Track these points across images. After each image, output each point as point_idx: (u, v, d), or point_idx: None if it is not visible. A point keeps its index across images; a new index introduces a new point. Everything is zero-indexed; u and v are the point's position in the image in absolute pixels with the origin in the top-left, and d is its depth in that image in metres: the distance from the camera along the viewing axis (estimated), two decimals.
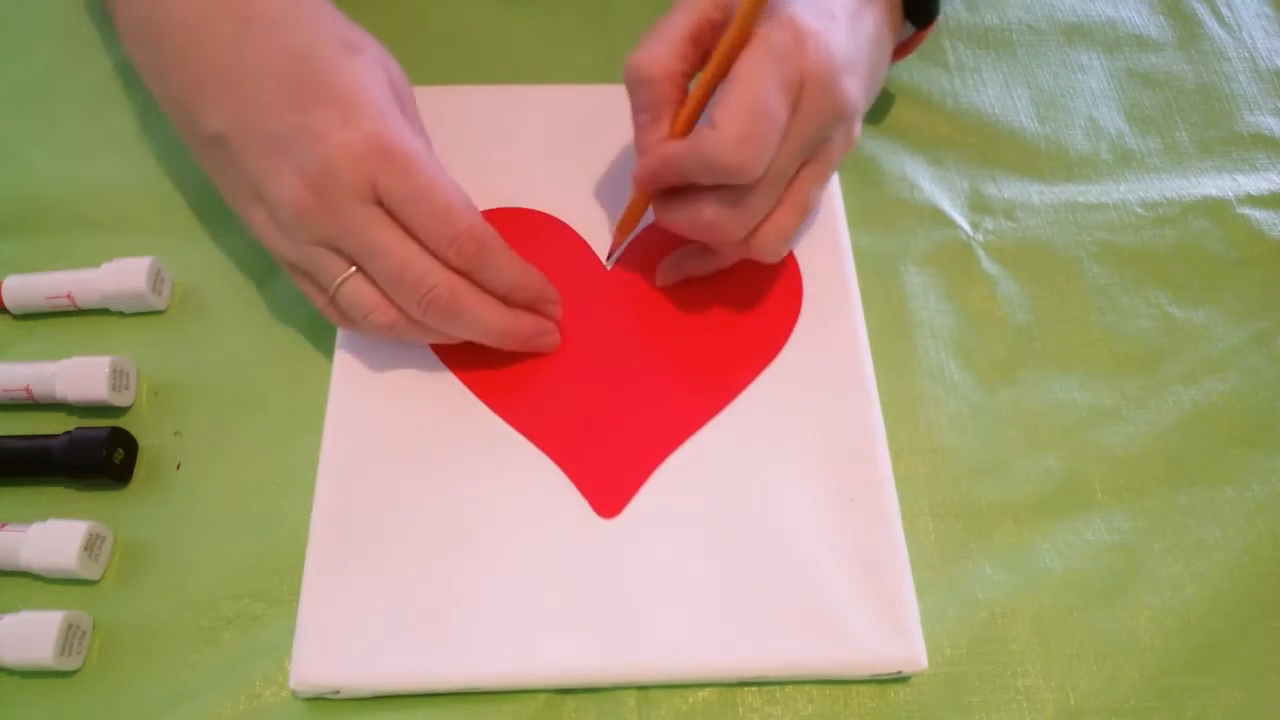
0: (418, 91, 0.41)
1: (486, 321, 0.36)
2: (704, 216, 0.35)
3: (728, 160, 0.32)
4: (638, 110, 0.36)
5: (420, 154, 0.34)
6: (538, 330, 0.38)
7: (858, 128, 0.37)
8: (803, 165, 0.35)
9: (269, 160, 0.34)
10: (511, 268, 0.36)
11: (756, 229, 0.36)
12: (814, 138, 0.34)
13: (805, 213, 0.36)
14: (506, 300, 0.36)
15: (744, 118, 0.32)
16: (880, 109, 0.48)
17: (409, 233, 0.34)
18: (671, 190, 0.36)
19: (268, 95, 0.34)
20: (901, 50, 0.44)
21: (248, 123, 0.34)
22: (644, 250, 0.42)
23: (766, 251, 0.36)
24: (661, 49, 0.35)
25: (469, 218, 0.34)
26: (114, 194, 0.45)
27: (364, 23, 0.37)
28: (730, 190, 0.34)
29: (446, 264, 0.34)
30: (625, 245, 0.41)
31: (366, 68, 0.35)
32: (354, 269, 0.34)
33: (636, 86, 0.36)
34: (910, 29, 0.43)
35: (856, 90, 0.35)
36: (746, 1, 0.33)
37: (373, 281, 0.35)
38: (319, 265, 0.35)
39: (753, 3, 0.33)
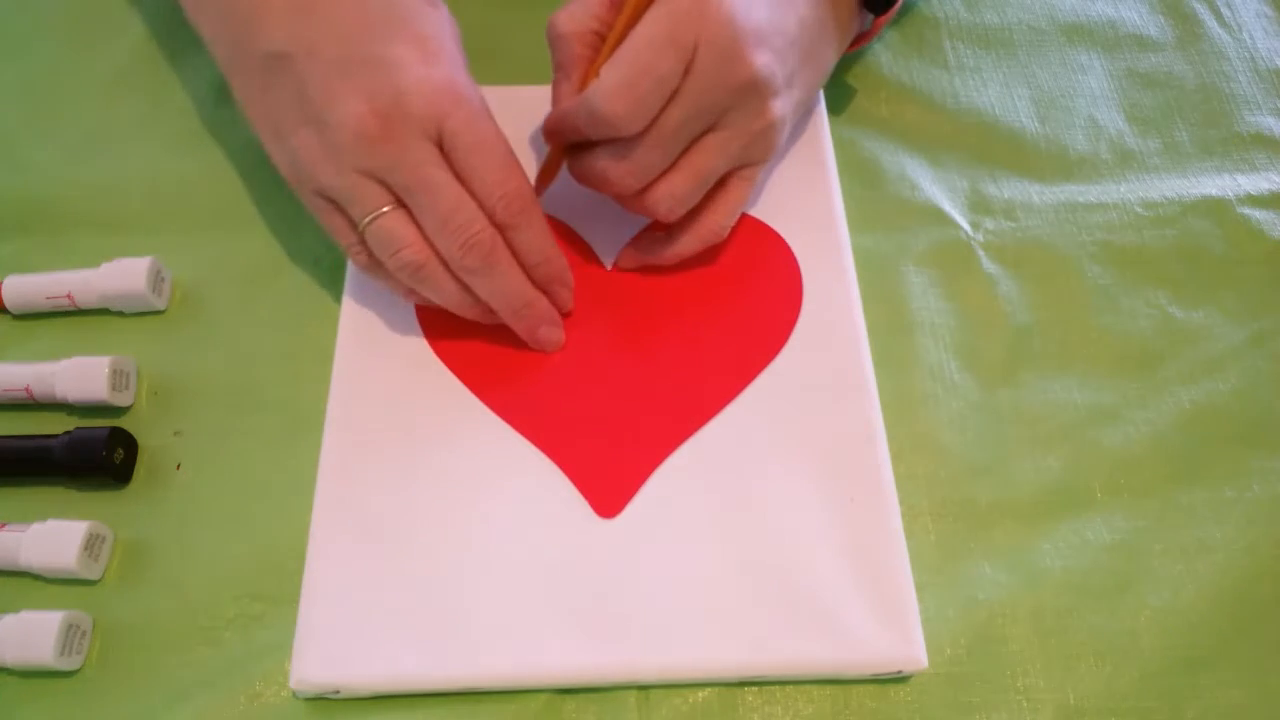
0: None
1: (513, 283, 0.37)
2: (595, 167, 0.37)
3: (603, 109, 0.33)
4: (554, 67, 0.39)
5: (484, 109, 0.35)
6: (548, 316, 0.38)
7: (778, 105, 0.36)
8: (706, 132, 0.36)
9: (337, 82, 0.34)
10: (546, 236, 0.37)
11: (649, 187, 0.37)
12: (710, 103, 0.35)
13: (703, 179, 0.37)
14: (531, 272, 0.37)
15: (623, 69, 0.33)
16: (880, 109, 0.48)
17: (462, 180, 0.34)
18: (580, 145, 0.38)
19: (346, 21, 0.35)
20: (861, 38, 0.45)
21: (318, 43, 0.34)
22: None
23: (658, 210, 0.37)
24: (578, 7, 0.37)
25: (521, 177, 0.35)
26: (114, 194, 0.45)
27: None
28: (620, 144, 0.36)
29: (491, 216, 0.35)
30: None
31: (444, 19, 0.37)
32: (392, 204, 0.35)
33: (552, 43, 0.38)
34: (869, 18, 0.44)
35: (769, 64, 0.35)
36: None
37: (412, 220, 0.35)
38: (360, 195, 0.34)
39: None
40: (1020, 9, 0.52)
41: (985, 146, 0.48)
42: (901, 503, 0.37)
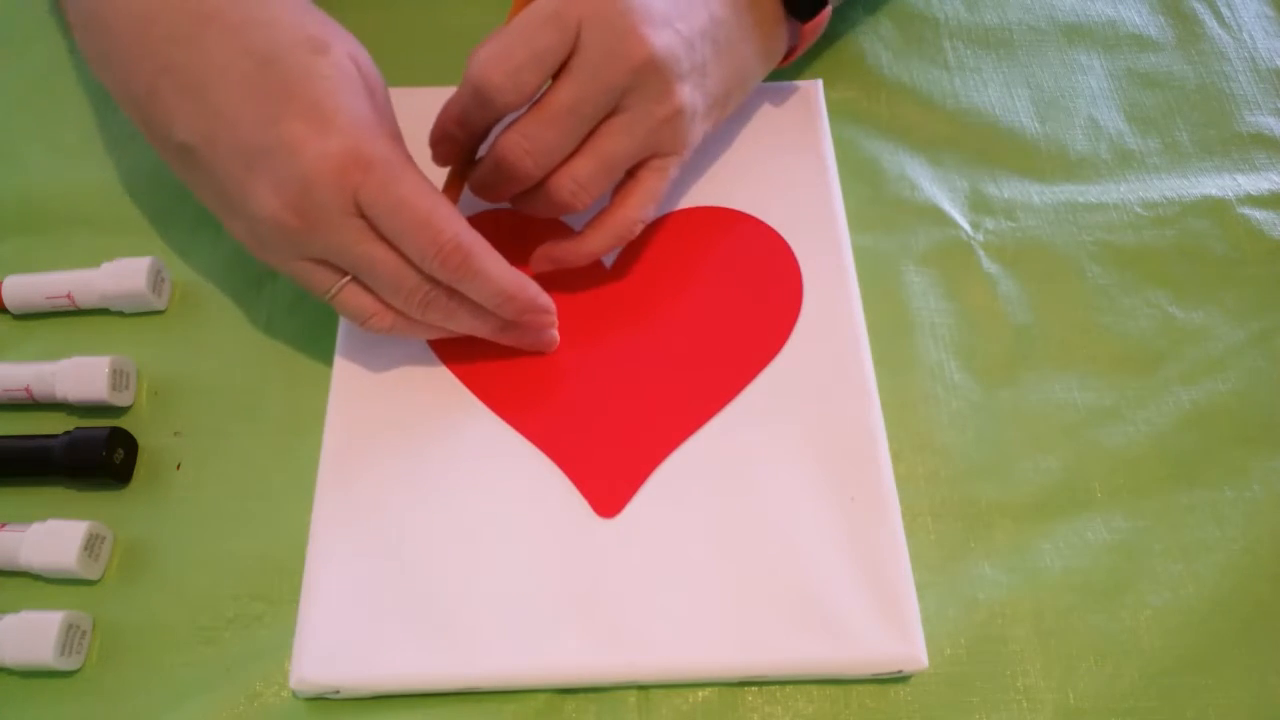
0: (412, 93, 0.41)
1: (484, 317, 0.36)
2: (495, 149, 0.36)
3: (477, 76, 0.33)
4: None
5: (398, 162, 0.33)
6: (536, 327, 0.38)
7: (684, 91, 0.36)
8: (609, 116, 0.35)
9: (243, 175, 0.33)
10: (496, 279, 0.34)
11: (553, 173, 0.36)
12: (606, 82, 0.34)
13: (607, 165, 0.36)
14: (498, 313, 0.36)
15: (501, 39, 0.33)
16: (880, 109, 0.48)
17: (391, 246, 0.33)
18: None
19: (234, 105, 0.32)
20: (793, 50, 0.43)
21: (215, 134, 0.33)
22: (644, 250, 0.42)
23: (562, 196, 0.36)
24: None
25: (452, 228, 0.33)
26: (114, 194, 0.45)
27: (355, 23, 0.37)
28: (517, 124, 0.35)
29: (432, 277, 0.34)
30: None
31: (335, 68, 0.33)
32: (347, 278, 0.34)
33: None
34: (797, 29, 0.42)
35: (670, 44, 0.35)
36: None
37: (367, 288, 0.35)
38: (310, 279, 0.34)
39: None
40: (1020, 9, 0.52)
41: (985, 146, 0.47)
42: (901, 503, 0.37)
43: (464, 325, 0.36)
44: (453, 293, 0.35)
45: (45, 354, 0.40)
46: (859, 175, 0.46)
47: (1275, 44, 0.51)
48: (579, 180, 0.36)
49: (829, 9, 0.42)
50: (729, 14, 0.39)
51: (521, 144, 0.35)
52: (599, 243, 0.38)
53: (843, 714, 0.35)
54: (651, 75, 0.35)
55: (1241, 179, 0.47)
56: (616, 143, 0.36)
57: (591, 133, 0.36)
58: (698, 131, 0.38)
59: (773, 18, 0.41)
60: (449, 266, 0.33)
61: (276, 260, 0.35)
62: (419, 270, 0.34)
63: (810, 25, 0.42)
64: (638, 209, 0.38)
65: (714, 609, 0.35)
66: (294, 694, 0.34)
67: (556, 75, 0.35)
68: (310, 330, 0.41)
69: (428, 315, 0.35)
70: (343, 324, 0.40)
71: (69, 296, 0.41)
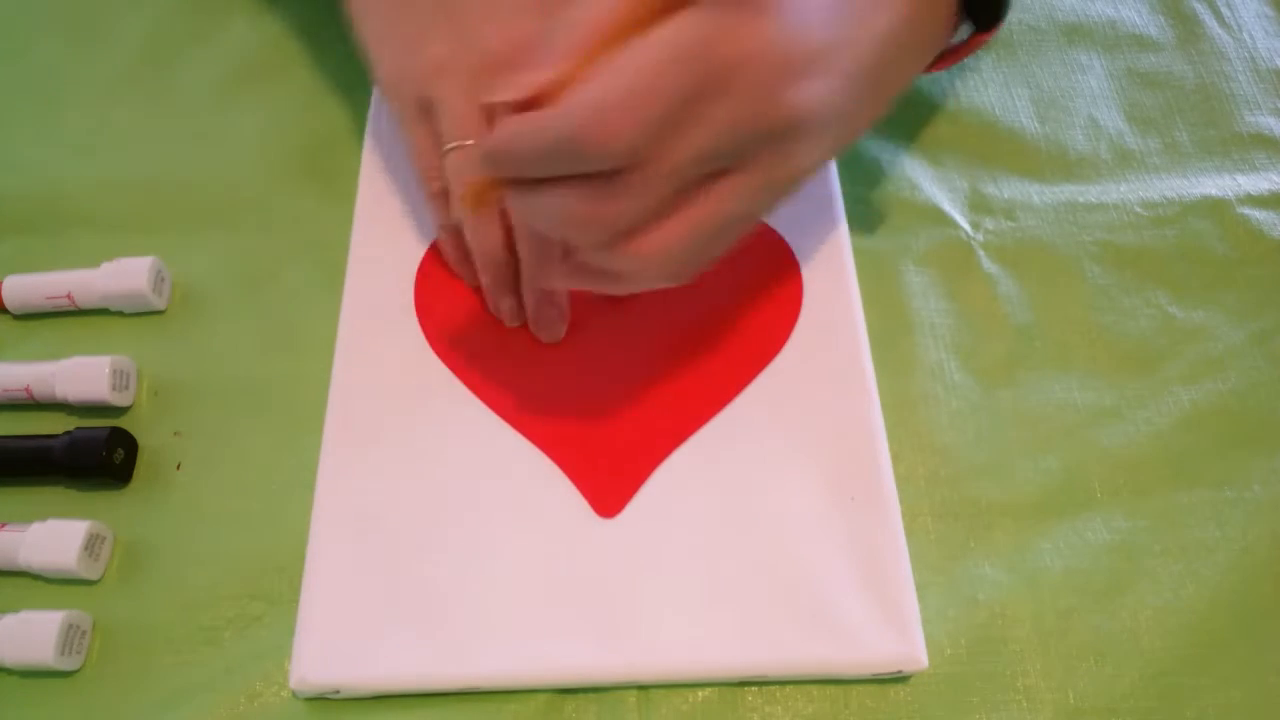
0: None
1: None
2: (562, 205, 0.27)
3: (594, 132, 0.25)
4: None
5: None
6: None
7: (813, 149, 0.29)
8: (720, 174, 0.28)
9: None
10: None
11: (634, 235, 0.28)
12: (730, 143, 0.27)
13: (707, 235, 0.28)
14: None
15: (628, 80, 0.25)
16: None
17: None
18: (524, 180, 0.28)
19: None
20: (947, 57, 0.37)
21: None
22: None
23: (639, 270, 0.29)
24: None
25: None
26: (114, 194, 0.45)
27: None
28: (595, 181, 0.26)
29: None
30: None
31: None
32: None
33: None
34: (966, 31, 0.36)
35: (817, 97, 0.27)
36: None
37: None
38: (463, 119, 0.35)
39: None
40: (1020, 9, 0.52)
41: (985, 146, 0.47)
42: (901, 503, 0.37)
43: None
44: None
45: (45, 354, 0.40)
46: (859, 175, 0.46)
47: (1275, 44, 0.51)
48: (669, 252, 0.28)
49: (1010, 13, 0.36)
50: (894, 29, 0.31)
51: (601, 207, 0.27)
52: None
53: (843, 714, 0.35)
54: (787, 135, 0.27)
55: (1241, 179, 0.47)
56: (729, 208, 0.28)
57: (689, 192, 0.28)
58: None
59: (942, 23, 0.34)
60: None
61: (453, 90, 0.34)
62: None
63: (987, 33, 0.36)
64: (719, 247, 0.31)
65: (714, 609, 0.35)
66: (294, 694, 0.34)
67: None
68: (310, 330, 0.41)
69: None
70: (343, 324, 0.40)
71: (69, 296, 0.41)
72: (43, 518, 0.37)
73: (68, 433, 0.38)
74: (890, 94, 0.34)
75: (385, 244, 0.42)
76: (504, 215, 0.36)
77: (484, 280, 0.38)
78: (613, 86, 0.25)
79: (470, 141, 0.34)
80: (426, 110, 0.35)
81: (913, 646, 0.34)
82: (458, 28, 0.34)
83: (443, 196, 0.37)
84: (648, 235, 0.28)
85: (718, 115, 0.26)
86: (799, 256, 0.42)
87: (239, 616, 0.36)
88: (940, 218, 0.45)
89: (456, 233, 0.39)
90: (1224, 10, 0.52)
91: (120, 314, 0.42)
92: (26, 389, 0.39)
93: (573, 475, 0.37)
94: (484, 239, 0.37)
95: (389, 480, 0.37)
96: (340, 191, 0.44)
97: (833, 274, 0.41)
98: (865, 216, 0.45)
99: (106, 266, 0.41)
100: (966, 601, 0.37)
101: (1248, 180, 0.47)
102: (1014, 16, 0.51)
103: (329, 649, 0.34)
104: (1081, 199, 0.46)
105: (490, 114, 0.32)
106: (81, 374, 0.39)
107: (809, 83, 0.27)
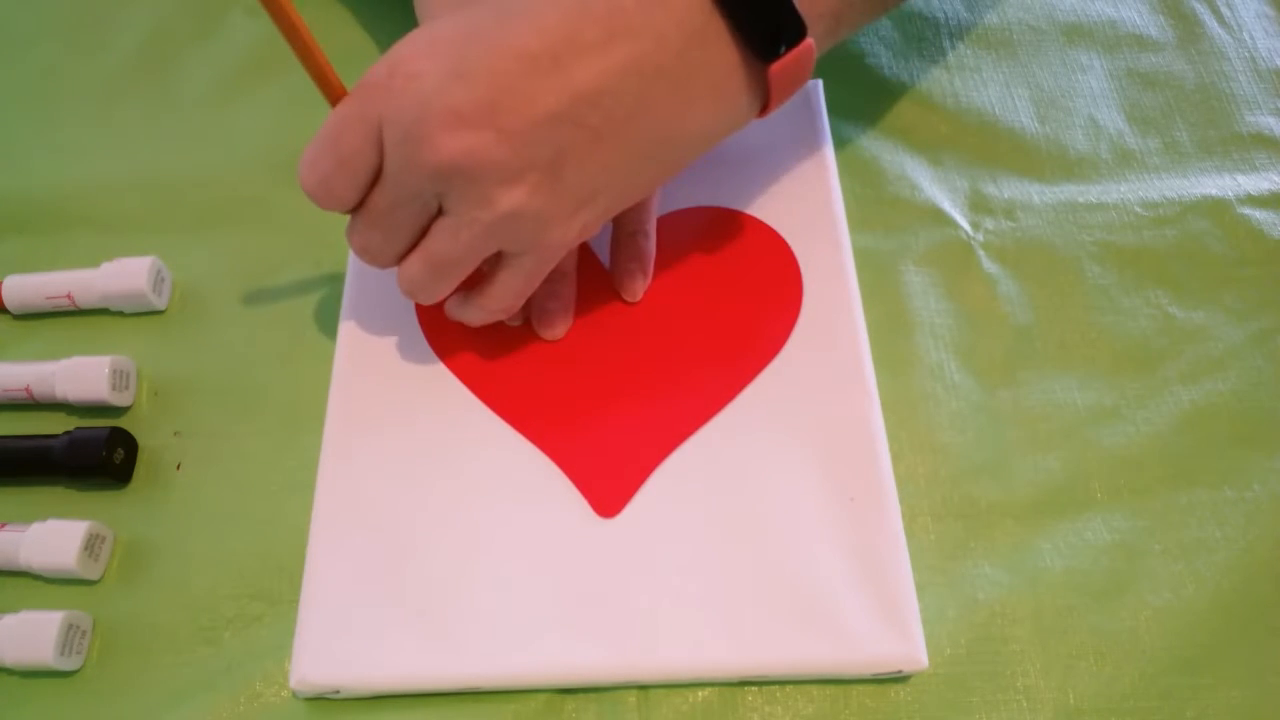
0: None
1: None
2: (346, 233, 0.35)
3: (300, 179, 0.32)
4: None
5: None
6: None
7: (515, 195, 0.31)
8: (438, 214, 0.33)
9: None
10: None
11: (399, 272, 0.35)
12: (407, 189, 0.31)
13: (438, 266, 0.33)
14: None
15: (312, 142, 0.32)
16: (880, 109, 0.48)
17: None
18: None
19: None
20: (768, 105, 0.33)
21: None
22: None
23: (405, 292, 0.35)
24: None
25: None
26: (114, 194, 0.45)
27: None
28: (352, 217, 0.34)
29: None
30: None
31: None
32: None
33: None
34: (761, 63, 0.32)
35: (478, 148, 0.30)
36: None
37: None
38: None
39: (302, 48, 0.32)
40: (1020, 9, 0.52)
41: (985, 146, 0.47)
42: (901, 503, 0.37)
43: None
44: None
45: (45, 354, 0.40)
46: (859, 175, 0.46)
47: (1275, 44, 0.51)
48: (414, 280, 0.34)
49: (809, 44, 0.31)
50: (630, 81, 0.30)
51: (355, 240, 0.34)
52: (463, 317, 0.37)
53: (843, 714, 0.35)
54: (460, 182, 0.31)
55: (1241, 179, 0.47)
56: (443, 244, 0.33)
57: (427, 228, 0.33)
58: (565, 230, 0.33)
59: (723, 63, 0.31)
60: None
61: None
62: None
63: (781, 67, 0.31)
64: (493, 300, 0.36)
65: (714, 609, 0.35)
66: (294, 694, 0.34)
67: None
68: (310, 330, 0.41)
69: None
70: (343, 324, 0.40)
71: (69, 296, 0.41)
72: (43, 518, 0.37)
73: (68, 433, 0.38)
74: (650, 145, 0.32)
75: None
76: None
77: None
78: (307, 149, 0.32)
79: None
80: None
81: (913, 646, 0.34)
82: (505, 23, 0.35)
83: None
84: (401, 264, 0.34)
85: (391, 166, 0.31)
86: (799, 256, 0.42)
87: (239, 616, 0.36)
88: (940, 218, 0.45)
89: None
90: (1224, 10, 0.52)
91: (120, 314, 0.42)
92: (26, 389, 0.39)
93: (573, 475, 0.37)
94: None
95: (389, 480, 0.37)
96: None
97: (833, 274, 0.41)
98: (865, 216, 0.45)
99: (106, 266, 0.41)
100: (966, 601, 0.37)
101: (1248, 180, 0.47)
102: (1014, 16, 0.52)
103: (329, 649, 0.34)
104: (1081, 199, 0.46)
105: None
106: (81, 374, 0.39)
107: (452, 134, 0.30)
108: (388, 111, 0.30)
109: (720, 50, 0.31)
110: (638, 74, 0.30)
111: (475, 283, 0.36)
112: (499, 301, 0.36)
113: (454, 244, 0.33)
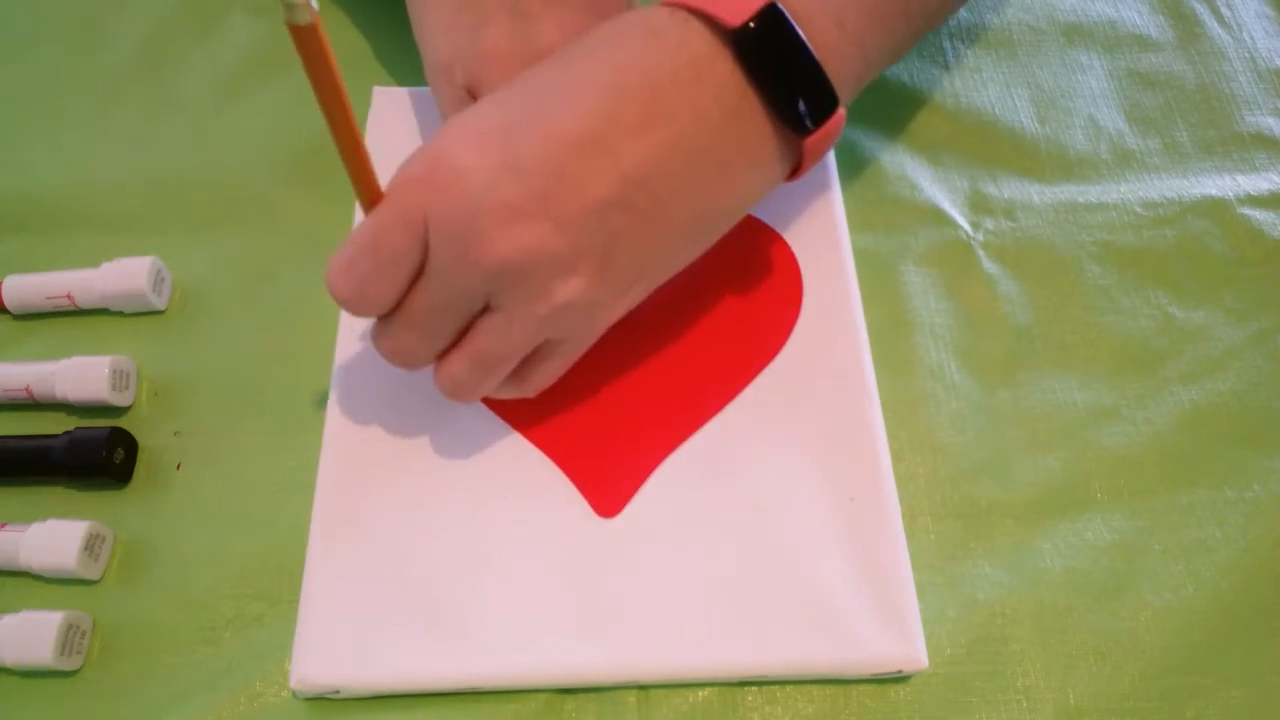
0: (411, 93, 0.41)
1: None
2: (373, 338, 0.33)
3: (330, 289, 0.30)
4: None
5: None
6: None
7: (571, 285, 0.30)
8: (484, 311, 0.31)
9: None
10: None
11: (436, 367, 0.33)
12: (463, 287, 0.30)
13: (484, 365, 0.32)
14: None
15: (346, 245, 0.30)
16: (880, 109, 0.48)
17: None
18: None
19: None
20: (799, 167, 0.34)
21: None
22: None
23: (445, 392, 0.33)
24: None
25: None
26: (114, 194, 0.45)
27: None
28: (382, 320, 0.32)
29: None
30: None
31: None
32: None
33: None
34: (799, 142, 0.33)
35: (536, 242, 0.29)
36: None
37: None
38: None
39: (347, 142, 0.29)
40: (1020, 9, 0.52)
41: (985, 146, 0.47)
42: (901, 503, 0.37)
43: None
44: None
45: (45, 354, 0.40)
46: (859, 175, 0.46)
47: (1275, 44, 0.51)
48: (457, 380, 0.32)
49: (841, 113, 0.32)
50: (674, 160, 0.30)
51: (386, 344, 0.32)
52: (493, 395, 0.35)
53: (843, 714, 0.35)
54: (515, 278, 0.29)
55: (1241, 179, 0.47)
56: (492, 342, 0.31)
57: (470, 325, 0.32)
58: (611, 312, 0.33)
59: (759, 137, 0.32)
60: None
61: None
62: None
63: (816, 139, 0.32)
64: (533, 387, 0.35)
65: (714, 609, 0.35)
66: (294, 694, 0.34)
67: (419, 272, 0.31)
68: (310, 330, 0.41)
69: None
70: (343, 324, 0.40)
71: (69, 296, 0.41)
72: (43, 518, 0.37)
73: (68, 433, 0.38)
74: (691, 220, 0.33)
75: None
76: None
77: None
78: (338, 254, 0.30)
79: None
80: (475, 97, 0.36)
81: (913, 646, 0.34)
82: (518, 21, 0.35)
83: None
84: (440, 364, 0.33)
85: (438, 266, 0.29)
86: (799, 256, 0.42)
87: (239, 616, 0.36)
88: (940, 218, 0.45)
89: None
90: (1224, 10, 0.52)
91: (120, 314, 0.42)
92: (26, 389, 0.39)
93: (573, 475, 0.37)
94: None
95: (389, 480, 0.37)
96: (340, 191, 0.44)
97: (833, 274, 0.41)
98: (865, 216, 0.45)
99: (106, 266, 0.41)
100: (966, 601, 0.37)
101: (1248, 180, 0.47)
102: (1014, 16, 0.52)
103: (329, 649, 0.34)
104: (1081, 199, 0.46)
105: None
106: (81, 374, 0.39)
107: (507, 230, 0.29)
108: (435, 209, 0.29)
109: (756, 125, 0.31)
110: (681, 153, 0.30)
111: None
112: (539, 387, 0.35)
113: (504, 341, 0.31)
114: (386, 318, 0.32)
